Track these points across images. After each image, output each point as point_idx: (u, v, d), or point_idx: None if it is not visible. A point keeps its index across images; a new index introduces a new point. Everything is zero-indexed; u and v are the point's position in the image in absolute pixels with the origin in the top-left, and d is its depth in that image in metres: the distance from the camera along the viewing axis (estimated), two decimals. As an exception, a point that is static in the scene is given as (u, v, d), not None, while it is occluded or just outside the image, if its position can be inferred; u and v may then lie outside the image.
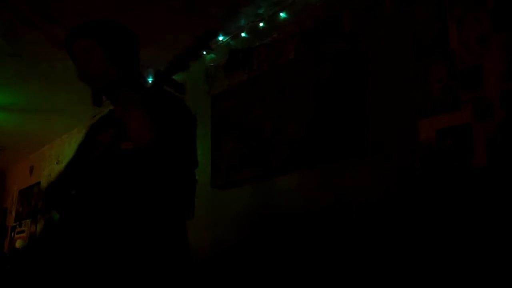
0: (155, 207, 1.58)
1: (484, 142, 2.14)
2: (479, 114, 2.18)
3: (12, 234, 7.12)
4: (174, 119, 1.64)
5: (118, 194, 1.57)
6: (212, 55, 3.88)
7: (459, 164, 2.22)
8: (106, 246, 1.52)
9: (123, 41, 1.73)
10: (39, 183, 6.57)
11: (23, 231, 6.79)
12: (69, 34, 1.73)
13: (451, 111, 2.28)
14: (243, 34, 3.59)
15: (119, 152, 1.59)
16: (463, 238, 2.15)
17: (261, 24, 3.45)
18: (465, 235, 2.15)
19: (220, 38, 3.72)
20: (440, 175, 2.28)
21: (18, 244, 6.39)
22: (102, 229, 1.53)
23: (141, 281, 1.50)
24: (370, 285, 2.46)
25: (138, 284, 1.50)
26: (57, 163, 6.10)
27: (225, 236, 3.49)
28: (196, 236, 3.74)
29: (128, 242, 1.52)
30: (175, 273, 1.59)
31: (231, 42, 3.69)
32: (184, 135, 1.65)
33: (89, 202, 1.59)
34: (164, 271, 1.55)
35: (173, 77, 1.60)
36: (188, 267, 1.67)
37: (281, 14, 3.32)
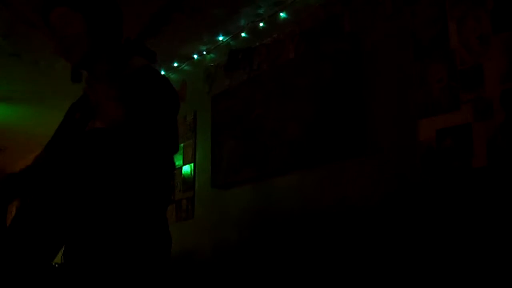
0: (128, 194, 1.46)
1: (484, 142, 2.14)
2: (479, 114, 2.18)
3: (12, 234, 7.11)
4: (151, 97, 1.46)
5: (88, 178, 1.46)
6: (212, 55, 3.89)
7: (459, 164, 2.22)
8: (78, 235, 1.46)
9: (105, 10, 1.60)
10: (39, 183, 6.56)
11: (23, 231, 6.78)
12: (43, 2, 1.62)
13: (451, 111, 2.28)
14: (243, 34, 3.59)
15: (92, 131, 1.47)
16: (463, 238, 2.15)
17: (261, 24, 3.45)
18: (465, 235, 2.15)
19: (220, 38, 3.73)
20: (440, 175, 2.28)
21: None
22: (74, 217, 1.45)
23: (117, 268, 1.42)
24: (370, 285, 2.46)
25: (114, 272, 1.41)
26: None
27: (225, 236, 3.49)
28: (196, 236, 3.75)
29: (101, 229, 1.44)
30: (153, 262, 1.50)
31: (231, 42, 3.69)
32: (162, 115, 1.46)
33: (60, 186, 1.48)
34: (141, 261, 1.44)
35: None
36: (166, 256, 1.55)
37: (281, 14, 3.32)
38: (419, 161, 2.37)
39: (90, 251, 1.45)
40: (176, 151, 1.53)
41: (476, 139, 2.18)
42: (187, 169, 4.01)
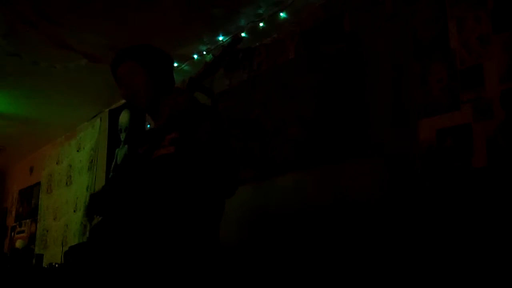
0: (189, 214, 1.64)
1: (484, 142, 2.14)
2: (479, 114, 2.18)
3: (12, 234, 7.12)
4: (216, 131, 1.69)
5: (156, 196, 1.63)
6: (212, 55, 3.88)
7: (459, 164, 2.22)
8: (142, 248, 1.58)
9: (162, 61, 1.93)
10: (39, 183, 6.56)
11: (23, 231, 6.79)
12: (115, 57, 1.93)
13: (451, 111, 2.28)
14: (243, 34, 3.59)
15: (156, 158, 1.68)
16: (463, 238, 2.15)
17: (261, 24, 3.45)
18: (465, 235, 2.15)
19: (220, 38, 3.73)
20: (440, 175, 2.28)
21: (18, 244, 6.38)
22: (140, 233, 1.59)
23: (171, 282, 1.56)
24: (370, 285, 2.46)
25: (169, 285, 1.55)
26: (57, 163, 6.10)
27: (225, 236, 3.48)
28: (196, 236, 3.74)
29: (162, 244, 1.58)
30: (205, 273, 1.64)
31: (231, 42, 3.69)
32: (222, 141, 1.70)
33: (128, 207, 1.64)
34: (194, 271, 1.61)
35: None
36: (217, 268, 1.71)
37: (281, 14, 3.32)
38: (419, 161, 2.37)
39: (143, 256, 1.57)
40: (237, 185, 1.77)
41: (476, 139, 2.18)
42: (187, 169, 4.00)
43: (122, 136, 4.74)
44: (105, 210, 1.70)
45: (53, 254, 5.35)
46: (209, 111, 1.75)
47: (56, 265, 4.01)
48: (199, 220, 1.65)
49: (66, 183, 5.74)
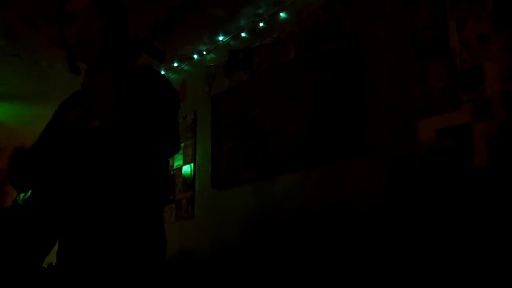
0: (126, 192, 1.46)
1: (484, 142, 2.14)
2: (479, 114, 2.18)
3: (12, 234, 7.12)
4: (151, 97, 1.45)
5: (85, 177, 1.46)
6: (212, 55, 3.89)
7: (459, 164, 2.22)
8: (73, 234, 1.46)
9: (120, 9, 1.60)
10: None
11: (23, 231, 6.79)
12: None
13: (451, 111, 2.28)
14: (243, 34, 3.59)
15: (88, 130, 1.46)
16: (463, 237, 2.15)
17: (261, 24, 3.45)
18: (465, 235, 2.15)
19: (220, 38, 3.73)
20: (440, 175, 2.28)
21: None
22: (68, 215, 1.46)
23: (113, 268, 1.42)
24: (370, 285, 2.46)
25: (111, 271, 1.41)
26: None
27: (225, 236, 3.49)
28: (196, 236, 3.75)
29: (96, 228, 1.44)
30: (149, 261, 1.49)
31: (231, 42, 3.69)
32: (162, 115, 1.45)
33: (55, 185, 1.49)
34: (137, 260, 1.44)
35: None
36: (161, 256, 1.54)
37: (281, 14, 3.32)
38: (419, 161, 2.37)
39: (85, 250, 1.44)
40: (177, 150, 1.52)
41: (476, 139, 2.18)
42: (187, 169, 4.01)
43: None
44: (27, 186, 1.53)
45: (52, 254, 5.34)
46: (158, 81, 1.53)
47: (52, 265, 4.00)
48: (137, 205, 1.49)
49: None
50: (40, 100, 4.97)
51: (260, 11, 3.39)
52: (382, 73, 2.66)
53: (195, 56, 3.96)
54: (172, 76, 4.11)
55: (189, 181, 3.96)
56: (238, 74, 3.59)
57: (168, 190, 1.62)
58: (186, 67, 4.12)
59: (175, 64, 4.13)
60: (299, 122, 3.02)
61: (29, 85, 4.62)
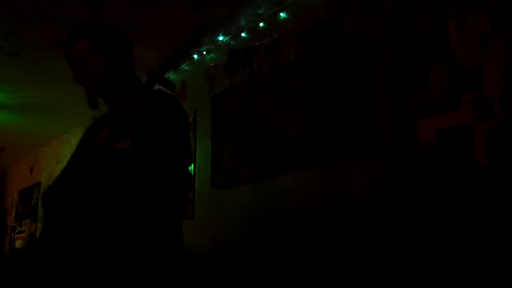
0: (150, 206, 1.56)
1: (484, 142, 2.14)
2: (479, 114, 2.18)
3: (12, 234, 7.12)
4: (166, 117, 1.61)
5: (112, 194, 1.55)
6: (212, 55, 3.89)
7: (459, 164, 2.22)
8: (102, 248, 1.50)
9: (121, 43, 1.75)
10: (39, 183, 6.57)
11: (23, 231, 6.79)
12: (67, 36, 1.74)
13: (451, 111, 2.28)
14: (243, 34, 3.59)
15: (114, 152, 1.58)
16: (463, 237, 2.15)
17: (261, 24, 3.45)
18: (465, 235, 2.15)
19: (220, 38, 3.73)
20: (440, 175, 2.28)
21: (18, 244, 6.39)
22: (97, 231, 1.52)
23: (136, 281, 1.47)
24: (371, 285, 2.46)
25: (133, 284, 1.48)
26: (57, 163, 6.10)
27: (225, 236, 3.49)
28: (196, 236, 3.75)
29: (123, 243, 1.50)
30: (170, 273, 1.56)
31: (231, 42, 3.69)
32: (176, 132, 1.62)
33: (85, 204, 1.57)
34: (159, 271, 1.53)
35: (166, 75, 1.62)
36: (182, 267, 1.62)
37: (281, 14, 3.32)
38: (419, 161, 2.37)
39: (107, 265, 1.48)
40: (190, 163, 1.66)
41: (476, 139, 2.18)
42: (187, 169, 4.01)
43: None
44: (59, 207, 1.62)
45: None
46: (168, 103, 1.67)
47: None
48: (157, 219, 1.57)
49: (66, 183, 5.73)
50: (40, 100, 4.98)
51: (260, 11, 3.39)
52: (382, 73, 2.66)
53: (195, 56, 3.96)
54: (172, 76, 4.11)
55: (189, 181, 3.96)
56: (238, 74, 3.60)
57: (185, 201, 1.78)
58: (186, 67, 4.12)
59: (175, 64, 4.12)
60: (299, 122, 3.02)
61: (29, 85, 4.62)
